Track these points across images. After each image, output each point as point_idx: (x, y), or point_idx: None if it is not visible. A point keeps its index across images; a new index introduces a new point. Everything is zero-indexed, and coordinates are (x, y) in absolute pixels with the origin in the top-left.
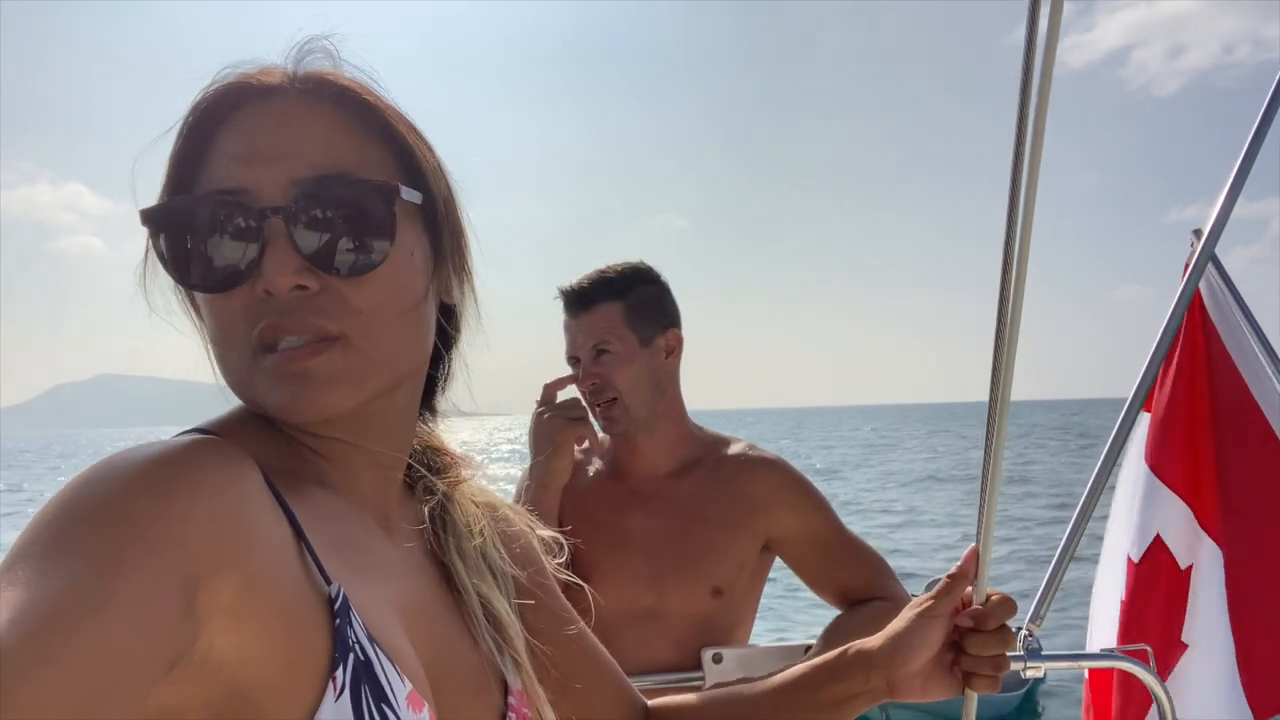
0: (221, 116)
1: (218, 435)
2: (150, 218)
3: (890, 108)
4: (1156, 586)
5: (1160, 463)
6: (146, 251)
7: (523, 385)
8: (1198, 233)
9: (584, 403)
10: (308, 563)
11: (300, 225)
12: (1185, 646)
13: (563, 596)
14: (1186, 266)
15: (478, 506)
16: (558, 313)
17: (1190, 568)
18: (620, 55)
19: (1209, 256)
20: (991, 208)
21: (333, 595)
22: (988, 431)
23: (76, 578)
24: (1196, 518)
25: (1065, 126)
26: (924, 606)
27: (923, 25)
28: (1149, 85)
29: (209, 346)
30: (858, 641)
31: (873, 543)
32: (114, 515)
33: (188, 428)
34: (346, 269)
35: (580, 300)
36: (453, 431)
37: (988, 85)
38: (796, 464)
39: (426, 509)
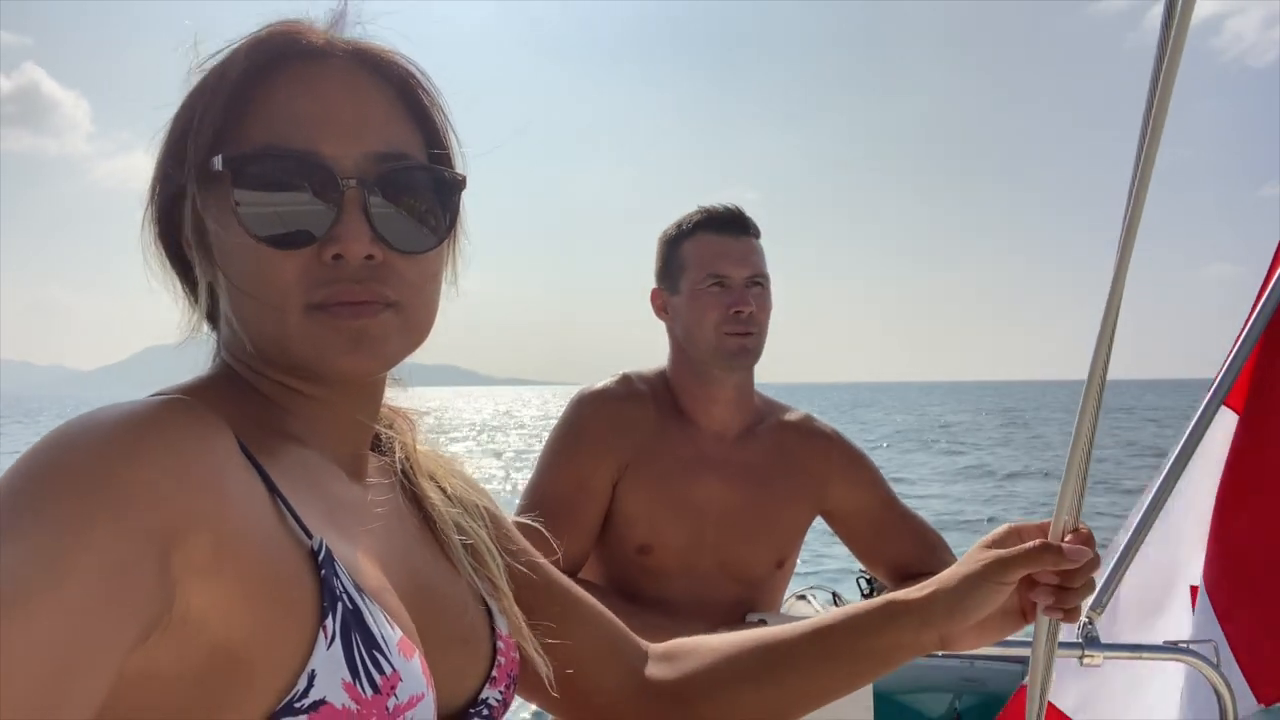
0: (278, 68)
1: (188, 396)
2: (234, 163)
3: (964, 86)
4: None
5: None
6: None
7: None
8: None
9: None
10: (286, 519)
11: (376, 199)
12: None
13: (520, 535)
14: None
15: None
16: (637, 280)
17: None
18: (688, 30)
19: None
20: (1049, 190)
21: (315, 548)
22: (1092, 368)
23: (42, 546)
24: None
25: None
26: (992, 571)
27: None
28: (1244, 55)
29: (230, 302)
30: (900, 593)
31: None
32: (80, 480)
33: (158, 390)
34: (409, 246)
35: (742, 225)
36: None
37: (1067, 56)
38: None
39: (396, 459)
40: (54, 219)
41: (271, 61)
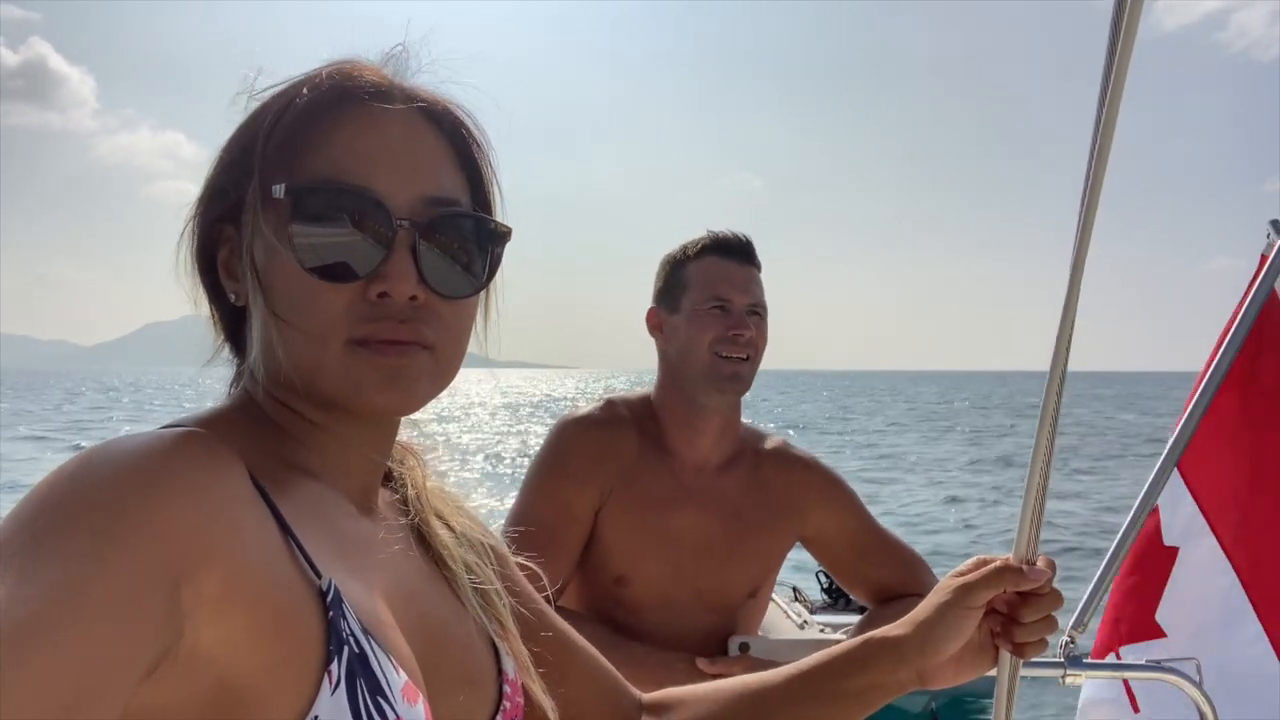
0: (341, 106)
1: (203, 429)
2: (294, 192)
3: (970, 83)
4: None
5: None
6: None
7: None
8: (1276, 224)
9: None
10: (296, 557)
11: (425, 242)
12: (1162, 633)
13: (522, 576)
14: (1263, 259)
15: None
16: (636, 265)
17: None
18: (688, 15)
19: None
20: (1028, 190)
21: (324, 588)
22: (1046, 393)
23: (55, 579)
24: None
25: (1158, 91)
26: (957, 597)
27: None
28: (1250, 50)
29: (266, 328)
30: (878, 631)
31: None
32: (94, 514)
33: (172, 421)
34: (451, 291)
35: (747, 254)
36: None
37: (1072, 51)
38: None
39: (406, 495)
40: (58, 194)
41: (334, 99)
